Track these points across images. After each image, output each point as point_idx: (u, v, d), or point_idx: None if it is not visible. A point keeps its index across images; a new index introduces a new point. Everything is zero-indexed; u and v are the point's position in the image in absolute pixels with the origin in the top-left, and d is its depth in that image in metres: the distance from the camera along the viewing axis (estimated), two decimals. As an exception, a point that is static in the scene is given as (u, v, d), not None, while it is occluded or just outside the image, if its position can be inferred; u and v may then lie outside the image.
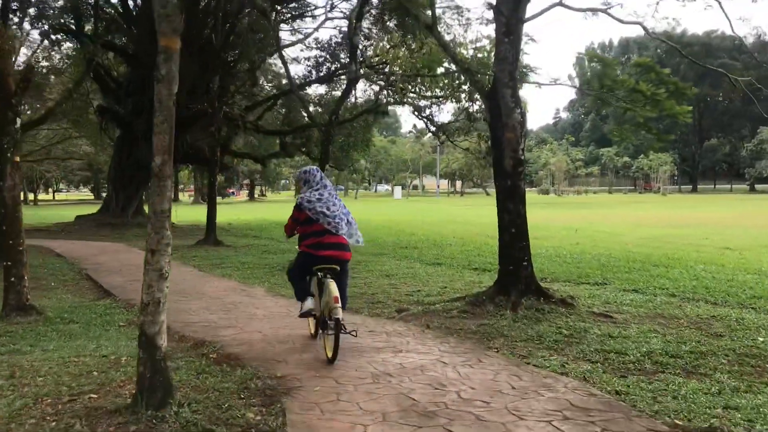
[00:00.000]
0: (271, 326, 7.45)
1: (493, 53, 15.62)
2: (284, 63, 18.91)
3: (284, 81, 30.87)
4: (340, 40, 24.85)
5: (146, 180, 27.65)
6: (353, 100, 25.83)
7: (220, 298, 9.68)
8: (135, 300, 9.51)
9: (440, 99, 21.00)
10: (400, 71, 17.72)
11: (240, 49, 23.38)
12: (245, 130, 25.23)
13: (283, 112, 31.79)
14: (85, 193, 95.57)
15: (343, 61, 27.51)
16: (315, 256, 5.78)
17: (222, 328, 7.43)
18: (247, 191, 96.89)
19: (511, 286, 8.56)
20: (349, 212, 6.17)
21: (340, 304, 5.41)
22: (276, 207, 57.66)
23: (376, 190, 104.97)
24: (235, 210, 49.97)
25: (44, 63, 29.23)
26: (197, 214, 38.57)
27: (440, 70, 18.55)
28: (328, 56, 26.18)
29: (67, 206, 56.32)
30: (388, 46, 20.26)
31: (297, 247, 6.18)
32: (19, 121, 7.97)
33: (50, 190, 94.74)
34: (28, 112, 32.07)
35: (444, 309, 8.49)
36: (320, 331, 5.83)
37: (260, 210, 49.83)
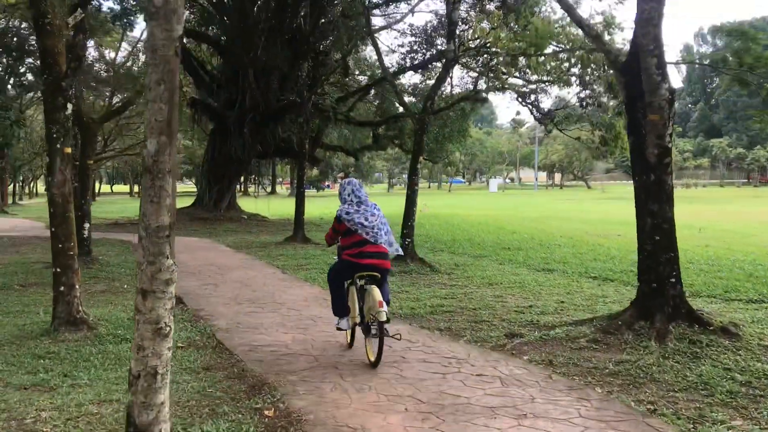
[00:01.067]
0: (351, 359, 6.02)
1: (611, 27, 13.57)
2: (377, 48, 17.51)
3: (377, 71, 29.66)
4: (435, 24, 23.23)
5: (238, 174, 27.17)
6: (449, 89, 24.18)
7: (299, 311, 8.40)
8: (204, 310, 8.40)
9: (546, 83, 18.93)
10: (502, 51, 15.83)
11: (332, 37, 22.27)
12: (336, 122, 24.11)
13: (376, 104, 30.58)
14: (190, 186, 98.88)
15: (439, 47, 25.93)
16: (357, 264, 5.97)
17: (293, 356, 6.09)
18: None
19: (656, 309, 6.73)
20: (387, 222, 6.26)
21: (384, 308, 5.47)
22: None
23: (450, 184, 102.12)
24: (328, 203, 49.49)
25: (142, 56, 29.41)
26: (292, 207, 38.01)
27: (548, 50, 16.42)
28: (423, 42, 24.64)
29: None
30: (488, 28, 18.40)
31: (334, 256, 6.53)
32: (70, 107, 6.94)
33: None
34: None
35: (568, 336, 6.77)
36: (363, 337, 5.97)
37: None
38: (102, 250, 15.78)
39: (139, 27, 32.72)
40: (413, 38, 26.93)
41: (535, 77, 18.45)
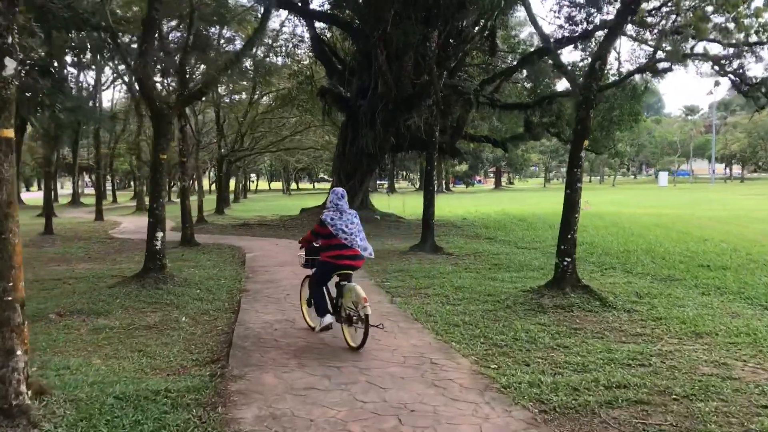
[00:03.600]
0: None
1: None
2: (529, 11, 13.83)
3: (528, 46, 25.77)
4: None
5: (370, 169, 24.66)
6: (616, 66, 19.93)
7: (391, 390, 5.25)
8: (245, 378, 5.57)
9: (757, 45, 14.16)
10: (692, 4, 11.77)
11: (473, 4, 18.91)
12: (479, 106, 20.66)
13: (528, 87, 26.68)
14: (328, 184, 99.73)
15: (608, 15, 21.61)
16: (336, 264, 6.66)
17: None
18: (494, 178, 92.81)
19: None
20: (362, 230, 6.79)
21: (369, 303, 6.21)
22: (522, 196, 52.49)
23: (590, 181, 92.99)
24: (475, 200, 45.93)
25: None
26: (437, 205, 34.77)
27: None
28: (586, 6, 20.52)
29: (316, 195, 57.37)
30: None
31: (304, 257, 7.28)
32: (11, 64, 4.34)
33: (311, 179, 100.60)
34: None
35: None
36: (343, 326, 6.65)
37: (503, 200, 45.08)
38: (196, 259, 13.78)
39: None
40: (570, 8, 22.90)
41: (741, 36, 13.80)
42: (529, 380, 5.30)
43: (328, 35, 26.75)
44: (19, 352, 4.36)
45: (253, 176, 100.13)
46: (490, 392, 5.10)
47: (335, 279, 6.79)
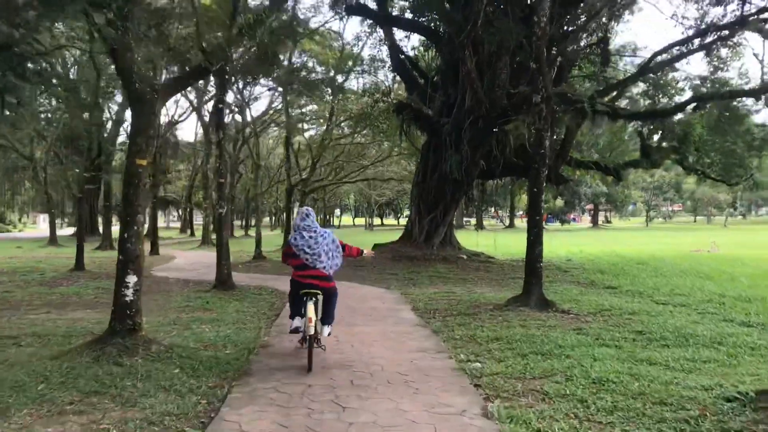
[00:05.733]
0: None
1: None
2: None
3: (644, 54, 21.46)
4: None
5: (455, 200, 20.80)
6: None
7: None
8: None
9: None
10: None
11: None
12: (594, 116, 16.47)
13: (646, 104, 22.26)
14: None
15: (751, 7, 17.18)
16: (299, 282, 6.82)
17: None
18: (590, 217, 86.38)
19: None
20: (333, 248, 6.90)
21: (312, 324, 6.37)
22: (626, 236, 46.70)
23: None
24: (575, 238, 40.80)
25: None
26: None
27: None
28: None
29: (399, 231, 53.73)
30: None
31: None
32: None
33: (396, 214, 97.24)
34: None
35: None
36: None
37: (606, 239, 39.74)
38: (221, 309, 10.35)
39: None
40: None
41: None
42: None
43: (409, 47, 23.47)
44: None
45: (338, 211, 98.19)
46: None
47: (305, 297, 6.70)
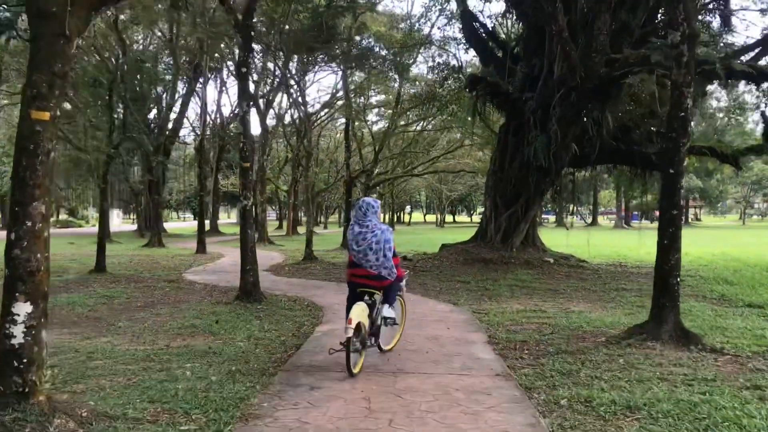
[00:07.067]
0: None
1: None
2: None
3: None
4: None
5: (540, 191, 17.44)
6: None
7: None
8: None
9: None
10: None
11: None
12: (727, 81, 12.81)
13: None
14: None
15: None
16: (351, 282, 6.29)
17: None
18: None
19: None
20: (383, 247, 6.03)
21: (352, 327, 5.54)
22: (726, 234, 41.49)
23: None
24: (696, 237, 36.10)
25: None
26: (622, 245, 26.29)
27: None
28: None
29: (472, 229, 50.32)
30: None
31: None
32: None
33: (469, 211, 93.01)
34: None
35: None
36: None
37: (704, 238, 34.78)
38: (229, 334, 7.50)
39: None
40: None
41: None
42: None
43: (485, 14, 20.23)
44: None
45: (408, 208, 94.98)
46: None
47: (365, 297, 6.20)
